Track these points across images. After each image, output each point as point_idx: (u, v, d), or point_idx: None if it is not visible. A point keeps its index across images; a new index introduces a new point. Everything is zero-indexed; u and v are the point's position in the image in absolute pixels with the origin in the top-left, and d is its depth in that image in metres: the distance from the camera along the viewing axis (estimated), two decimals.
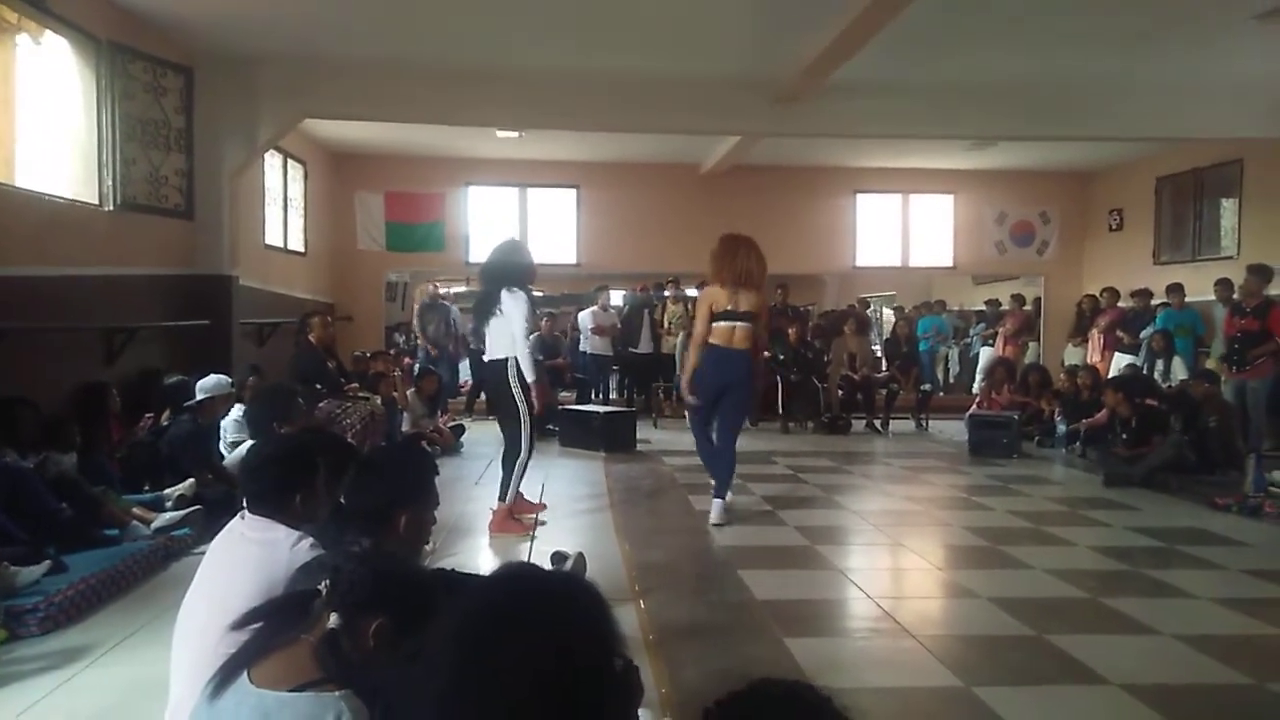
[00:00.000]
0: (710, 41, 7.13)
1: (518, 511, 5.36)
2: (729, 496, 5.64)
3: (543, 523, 5.44)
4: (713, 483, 5.59)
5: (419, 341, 11.71)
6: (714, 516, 5.42)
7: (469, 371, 11.52)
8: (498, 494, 5.32)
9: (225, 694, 1.61)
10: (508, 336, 5.16)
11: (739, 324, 5.35)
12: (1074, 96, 8.40)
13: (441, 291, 12.21)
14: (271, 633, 1.69)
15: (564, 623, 1.14)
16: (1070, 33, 6.86)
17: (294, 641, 1.66)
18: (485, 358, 5.34)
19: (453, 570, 3.30)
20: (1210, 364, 9.06)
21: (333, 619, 1.66)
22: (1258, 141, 9.19)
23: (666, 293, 11.42)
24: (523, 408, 5.17)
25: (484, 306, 5.27)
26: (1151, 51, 7.29)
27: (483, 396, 11.00)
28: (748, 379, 5.49)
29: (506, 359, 5.17)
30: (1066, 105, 8.50)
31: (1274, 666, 3.28)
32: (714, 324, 5.36)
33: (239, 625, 1.74)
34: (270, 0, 6.37)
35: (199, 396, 5.52)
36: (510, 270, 5.25)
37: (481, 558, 4.78)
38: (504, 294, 5.13)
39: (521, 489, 5.39)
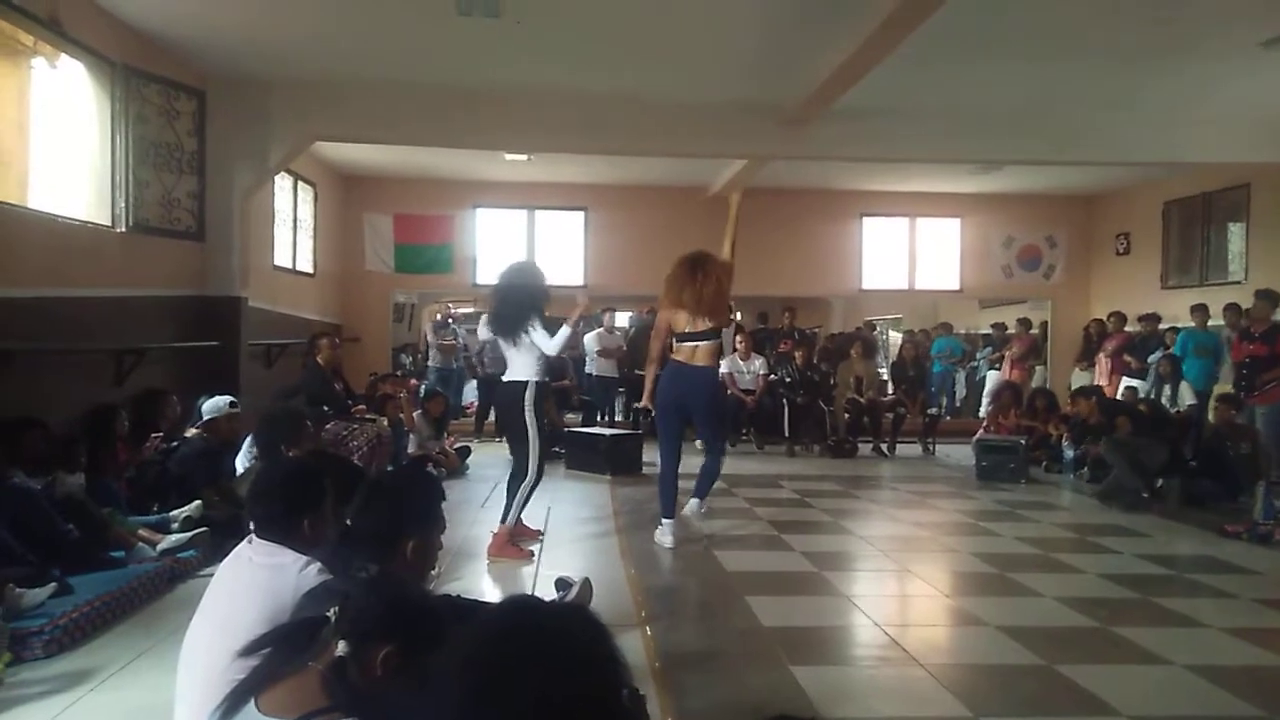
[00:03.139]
0: (718, 65, 7.18)
1: (518, 536, 5.33)
2: (700, 506, 5.64)
3: (539, 543, 5.41)
4: (711, 502, 5.55)
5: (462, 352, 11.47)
6: (663, 539, 5.37)
7: (475, 393, 11.50)
8: (500, 516, 5.30)
9: None
10: (529, 360, 5.15)
11: (700, 344, 5.36)
12: (1081, 121, 8.42)
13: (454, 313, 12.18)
14: (279, 660, 1.69)
15: (566, 656, 1.14)
16: (1077, 57, 6.90)
17: (302, 669, 1.66)
18: (504, 378, 5.31)
19: (459, 597, 3.29)
20: (1220, 390, 9.00)
21: (341, 646, 1.66)
22: (1265, 166, 9.20)
23: None
24: (533, 432, 5.14)
25: (508, 328, 5.19)
26: (1158, 77, 7.33)
27: (491, 418, 11.03)
28: (708, 391, 5.48)
29: (526, 382, 5.15)
30: (1073, 129, 8.52)
31: None
32: (677, 343, 5.37)
33: (247, 651, 1.74)
34: (282, 24, 6.45)
35: (205, 417, 5.55)
36: (529, 294, 5.21)
37: (486, 582, 4.76)
38: (536, 330, 5.10)
39: (524, 516, 5.36)
